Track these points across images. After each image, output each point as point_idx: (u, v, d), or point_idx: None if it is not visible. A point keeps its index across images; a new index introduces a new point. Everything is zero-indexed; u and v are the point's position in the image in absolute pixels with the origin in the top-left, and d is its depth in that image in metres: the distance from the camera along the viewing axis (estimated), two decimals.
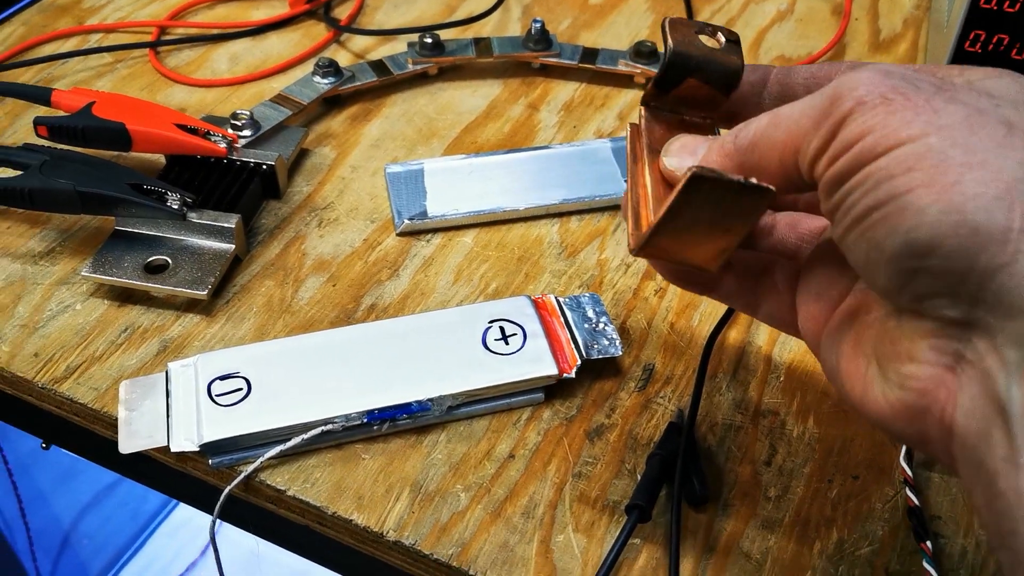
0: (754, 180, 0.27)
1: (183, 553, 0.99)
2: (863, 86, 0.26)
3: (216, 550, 0.42)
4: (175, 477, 0.43)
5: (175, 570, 0.98)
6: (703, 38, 0.33)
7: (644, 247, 0.31)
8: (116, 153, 0.52)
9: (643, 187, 0.32)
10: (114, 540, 0.98)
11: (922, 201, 0.23)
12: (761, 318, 0.35)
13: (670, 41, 0.32)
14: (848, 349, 0.29)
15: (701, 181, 0.27)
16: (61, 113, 0.52)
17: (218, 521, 0.40)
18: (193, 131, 0.51)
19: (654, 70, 0.61)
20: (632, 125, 0.34)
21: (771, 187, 0.28)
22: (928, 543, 0.37)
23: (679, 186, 0.28)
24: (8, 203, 0.48)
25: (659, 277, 0.49)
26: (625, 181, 0.34)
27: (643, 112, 0.34)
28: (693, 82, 0.32)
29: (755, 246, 0.35)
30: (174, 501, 1.03)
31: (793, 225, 0.35)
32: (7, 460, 0.75)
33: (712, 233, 0.30)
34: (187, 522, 1.01)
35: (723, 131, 0.33)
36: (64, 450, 0.68)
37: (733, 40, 0.33)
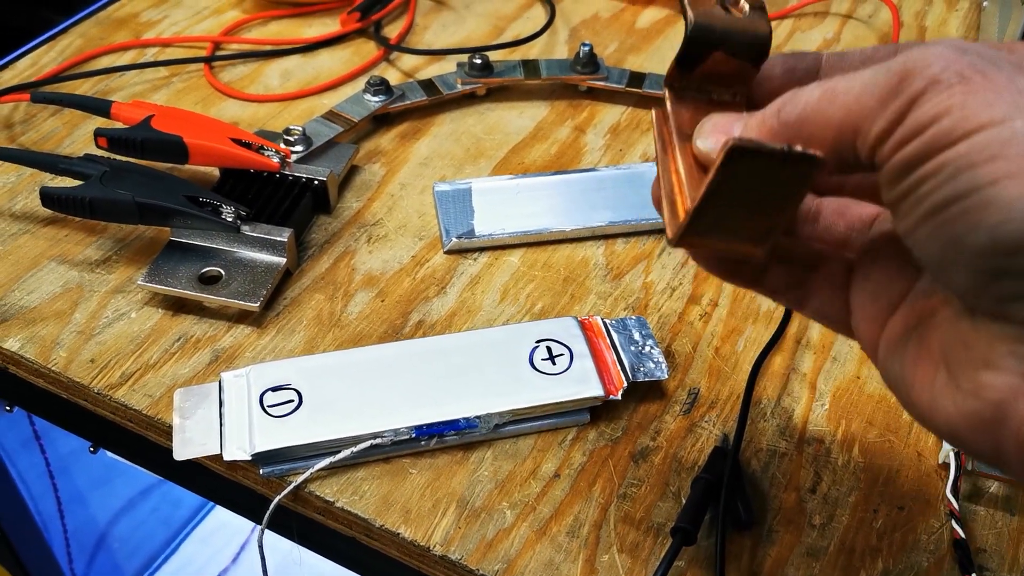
0: (799, 148, 0.25)
1: (215, 560, 1.00)
2: (937, 62, 0.23)
3: (263, 558, 0.43)
4: (224, 484, 0.43)
5: None
6: (725, 9, 0.30)
7: (684, 234, 0.28)
8: (171, 165, 0.53)
9: (675, 174, 0.30)
10: (147, 544, 0.99)
11: (1009, 194, 0.21)
12: (809, 315, 0.32)
13: (690, 14, 0.30)
14: (913, 354, 0.27)
15: (741, 153, 0.25)
16: (120, 125, 0.54)
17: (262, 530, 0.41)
18: (247, 145, 0.52)
19: None
20: (657, 110, 0.32)
21: (819, 154, 0.25)
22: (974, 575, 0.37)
23: (717, 160, 0.25)
24: (69, 211, 0.50)
25: (704, 301, 0.49)
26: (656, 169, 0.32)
27: (668, 94, 0.31)
28: (719, 56, 0.30)
29: (799, 233, 0.32)
30: (207, 508, 1.04)
31: (840, 212, 0.32)
32: (49, 461, 0.76)
33: (756, 212, 0.27)
34: (219, 529, 1.02)
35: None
36: (109, 454, 0.70)
37: (758, 7, 0.30)
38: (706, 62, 0.30)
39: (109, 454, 0.71)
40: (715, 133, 0.29)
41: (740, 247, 0.28)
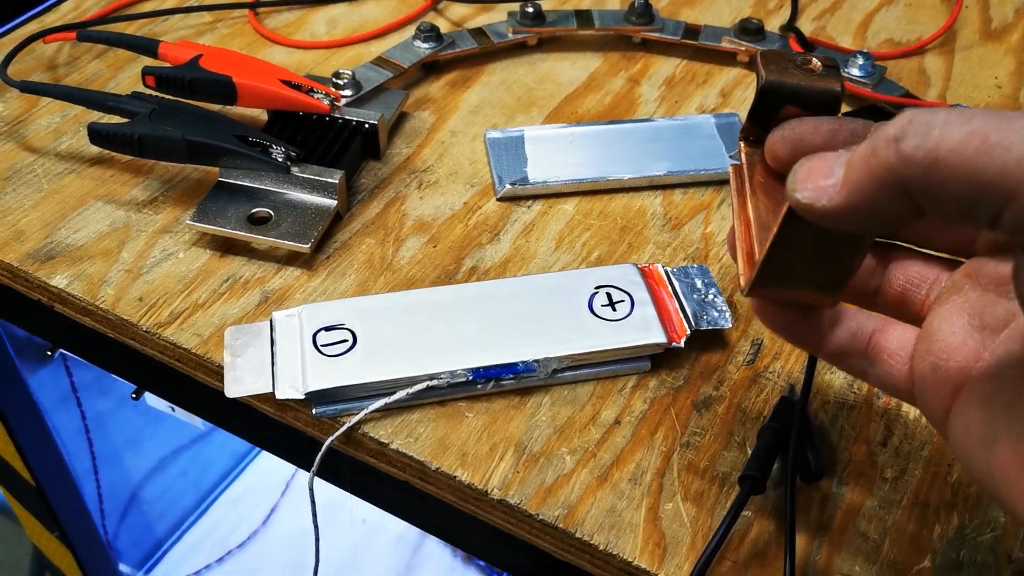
0: None
1: (244, 523, 0.99)
2: None
3: (313, 503, 0.42)
4: (272, 428, 0.43)
5: (235, 539, 0.99)
6: (798, 67, 0.31)
7: (754, 288, 0.30)
8: (219, 106, 0.52)
9: (747, 226, 0.31)
10: (177, 506, 0.98)
11: None
12: (872, 383, 0.32)
13: (762, 71, 0.31)
14: (1008, 460, 0.24)
15: (801, 217, 0.26)
16: (168, 65, 0.52)
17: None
18: (297, 87, 0.51)
19: (759, 47, 0.59)
20: (733, 165, 0.33)
21: None
22: None
23: (779, 221, 0.27)
24: (116, 148, 0.49)
25: None
26: (730, 202, 0.33)
27: (743, 147, 0.33)
28: (792, 110, 0.31)
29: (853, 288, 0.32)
30: (236, 471, 1.04)
31: (903, 266, 0.32)
32: (85, 416, 0.76)
33: (821, 265, 0.29)
34: (248, 493, 1.02)
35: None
36: (149, 403, 0.69)
37: (831, 65, 0.31)
38: (778, 115, 0.31)
39: (150, 403, 0.70)
40: (812, 178, 0.25)
41: (810, 295, 0.30)
